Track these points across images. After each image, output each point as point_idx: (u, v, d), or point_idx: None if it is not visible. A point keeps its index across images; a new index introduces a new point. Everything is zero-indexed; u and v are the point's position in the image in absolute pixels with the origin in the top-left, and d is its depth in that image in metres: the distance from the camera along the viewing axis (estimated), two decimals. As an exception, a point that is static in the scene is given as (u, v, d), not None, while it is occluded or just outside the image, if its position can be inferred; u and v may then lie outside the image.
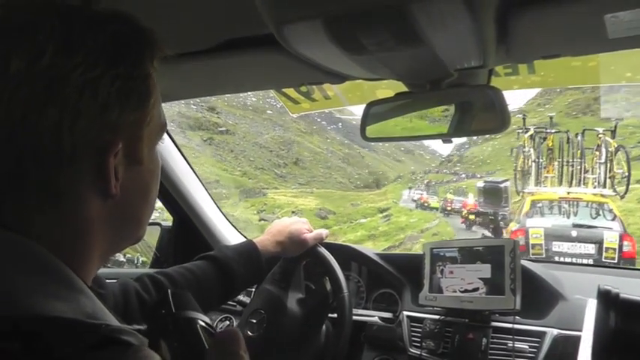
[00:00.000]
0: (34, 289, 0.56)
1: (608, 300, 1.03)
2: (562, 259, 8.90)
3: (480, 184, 14.10)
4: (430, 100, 1.34)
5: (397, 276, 1.95)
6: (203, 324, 0.63)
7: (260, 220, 32.43)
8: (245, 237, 2.28)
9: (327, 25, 0.89)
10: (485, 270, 1.62)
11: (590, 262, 8.97)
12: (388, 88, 1.56)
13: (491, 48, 1.02)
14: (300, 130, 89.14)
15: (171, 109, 68.67)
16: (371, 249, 2.11)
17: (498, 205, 13.69)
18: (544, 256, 9.61)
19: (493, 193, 13.32)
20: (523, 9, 0.89)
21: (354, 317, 1.62)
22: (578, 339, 1.42)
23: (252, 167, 66.82)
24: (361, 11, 0.86)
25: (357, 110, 1.67)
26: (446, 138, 1.37)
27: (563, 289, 1.65)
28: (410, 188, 47.30)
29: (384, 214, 32.09)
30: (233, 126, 76.69)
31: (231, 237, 2.25)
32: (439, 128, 1.38)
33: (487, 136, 13.69)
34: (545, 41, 1.04)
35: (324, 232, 1.65)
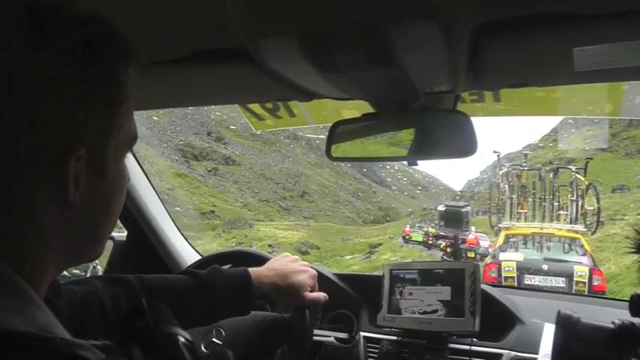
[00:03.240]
0: None
1: (568, 325, 1.05)
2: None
3: (442, 207, 14.27)
4: (397, 122, 1.36)
5: (354, 296, 1.94)
6: (184, 341, 0.59)
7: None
8: (201, 255, 2.23)
9: (302, 41, 0.89)
10: (445, 292, 1.64)
11: (559, 294, 9.20)
12: (354, 109, 1.57)
13: (462, 74, 1.04)
14: (310, 163, 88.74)
15: (177, 138, 67.70)
16: (328, 269, 2.09)
17: (459, 229, 13.82)
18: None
19: (454, 217, 13.47)
20: (496, 37, 0.91)
21: None
22: None
23: (255, 199, 66.03)
24: (338, 29, 0.86)
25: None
26: (407, 161, 1.38)
27: (521, 313, 1.68)
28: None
29: (374, 250, 30.15)
30: (240, 157, 75.95)
31: (187, 254, 2.20)
32: (400, 151, 1.39)
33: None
34: (515, 70, 1.08)
35: (323, 296, 1.47)
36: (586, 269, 9.89)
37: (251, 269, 1.35)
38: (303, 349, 1.49)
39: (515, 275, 10.09)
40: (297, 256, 1.47)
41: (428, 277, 1.70)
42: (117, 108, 0.65)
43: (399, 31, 0.84)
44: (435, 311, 1.64)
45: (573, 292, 9.25)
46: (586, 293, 9.10)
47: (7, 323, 0.52)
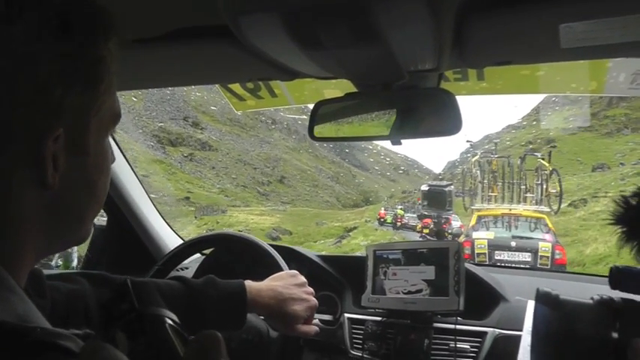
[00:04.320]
0: None
1: (547, 302, 1.05)
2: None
3: (424, 187, 14.97)
4: (380, 101, 1.34)
5: (338, 278, 1.93)
6: (171, 322, 0.57)
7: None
8: (183, 239, 2.20)
9: (285, 17, 0.87)
10: (429, 272, 1.64)
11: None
12: (336, 88, 1.55)
13: (446, 51, 1.03)
14: (289, 147, 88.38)
15: (153, 124, 66.70)
16: (312, 251, 2.09)
17: (442, 209, 14.64)
18: (487, 263, 10.66)
19: (437, 197, 14.11)
20: (482, 14, 0.90)
21: None
22: (518, 338, 1.46)
23: (233, 185, 65.53)
24: (322, 6, 0.83)
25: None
26: (391, 140, 1.37)
27: (504, 291, 1.70)
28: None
29: (347, 234, 29.16)
30: (217, 142, 75.19)
31: (169, 239, 2.18)
32: (384, 130, 1.37)
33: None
34: (499, 47, 1.06)
35: (314, 331, 1.38)
36: (549, 245, 11.24)
37: (249, 283, 1.26)
38: None
39: (486, 252, 11.35)
40: (304, 279, 1.39)
41: (412, 257, 1.70)
42: (97, 85, 0.63)
43: (385, 7, 0.82)
44: (420, 291, 1.65)
45: (538, 265, 10.76)
46: (549, 267, 10.63)
47: None
